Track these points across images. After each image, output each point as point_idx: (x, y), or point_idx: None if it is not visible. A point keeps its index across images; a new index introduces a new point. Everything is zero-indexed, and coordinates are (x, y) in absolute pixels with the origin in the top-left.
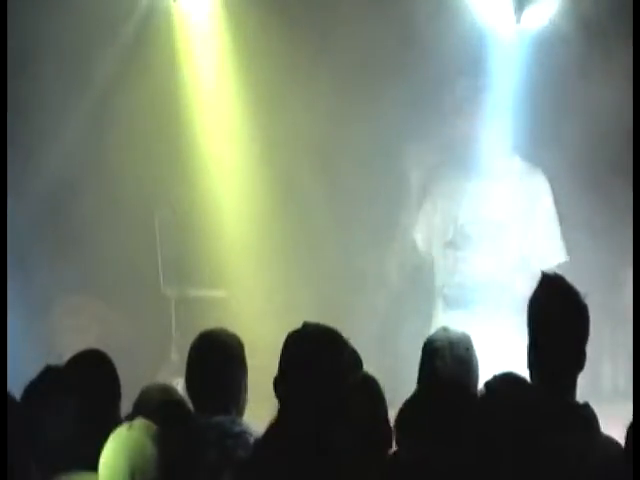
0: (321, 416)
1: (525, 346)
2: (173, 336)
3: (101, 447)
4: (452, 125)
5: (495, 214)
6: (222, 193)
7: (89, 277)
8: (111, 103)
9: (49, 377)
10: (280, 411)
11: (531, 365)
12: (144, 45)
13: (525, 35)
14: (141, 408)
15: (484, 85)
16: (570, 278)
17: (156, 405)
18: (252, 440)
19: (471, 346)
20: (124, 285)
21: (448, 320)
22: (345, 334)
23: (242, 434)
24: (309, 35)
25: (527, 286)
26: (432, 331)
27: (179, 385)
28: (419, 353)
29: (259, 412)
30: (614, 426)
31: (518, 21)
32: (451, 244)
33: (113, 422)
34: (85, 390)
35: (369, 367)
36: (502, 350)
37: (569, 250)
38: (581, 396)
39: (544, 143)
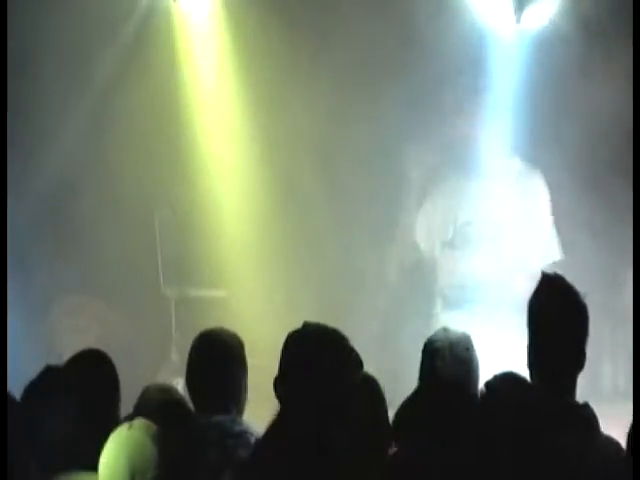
0: (321, 416)
1: (525, 346)
2: (173, 336)
3: (101, 447)
4: (452, 125)
5: (495, 214)
6: (222, 193)
7: (89, 277)
8: (111, 103)
9: (49, 377)
10: (280, 411)
11: (531, 365)
12: (144, 45)
13: (525, 35)
14: (142, 408)
15: (484, 85)
16: (570, 278)
17: (156, 405)
18: (253, 440)
19: (471, 346)
20: (124, 285)
21: (448, 320)
22: (345, 334)
23: (243, 434)
24: (309, 35)
25: (527, 286)
26: (432, 331)
27: (179, 385)
28: (419, 353)
29: (259, 412)
30: (614, 426)
31: (518, 21)
32: (451, 244)
33: (113, 422)
34: (85, 390)
35: (369, 367)
36: (502, 350)
37: (569, 250)
38: (581, 396)
39: (544, 143)
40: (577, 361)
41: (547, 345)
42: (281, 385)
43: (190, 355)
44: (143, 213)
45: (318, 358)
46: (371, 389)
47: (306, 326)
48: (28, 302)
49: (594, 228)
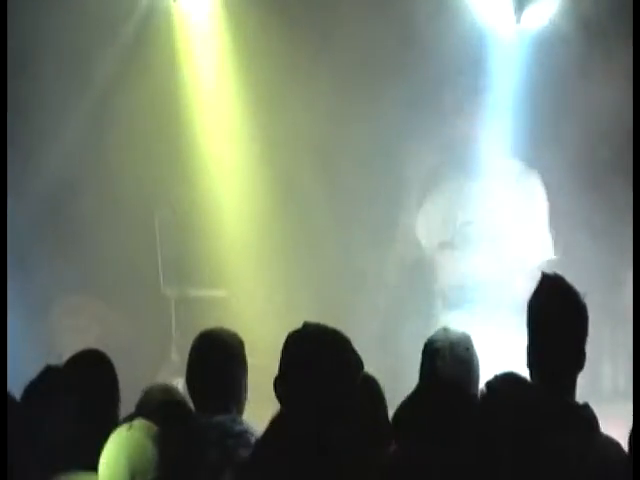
0: (321, 416)
1: (525, 346)
2: (173, 336)
3: (101, 447)
4: (452, 125)
5: (495, 214)
6: (222, 193)
7: (89, 277)
8: (111, 103)
9: (49, 377)
10: (280, 411)
11: (531, 365)
12: (144, 45)
13: (525, 35)
14: (143, 408)
15: (484, 85)
16: (570, 278)
17: (158, 405)
18: (253, 440)
19: (471, 346)
20: (124, 285)
21: (448, 320)
22: (345, 334)
23: (243, 433)
24: (309, 35)
25: (527, 286)
26: (432, 331)
27: (179, 385)
28: (419, 353)
29: (259, 412)
30: (614, 426)
31: (518, 21)
32: (451, 244)
33: (112, 422)
34: (84, 390)
35: (369, 367)
36: (502, 350)
37: (569, 250)
38: (581, 396)
39: (544, 143)
40: (577, 361)
41: (547, 345)
42: (281, 385)
43: (190, 355)
44: (143, 213)
45: (318, 358)
46: (371, 389)
47: (306, 326)
48: (28, 302)
49: (594, 228)
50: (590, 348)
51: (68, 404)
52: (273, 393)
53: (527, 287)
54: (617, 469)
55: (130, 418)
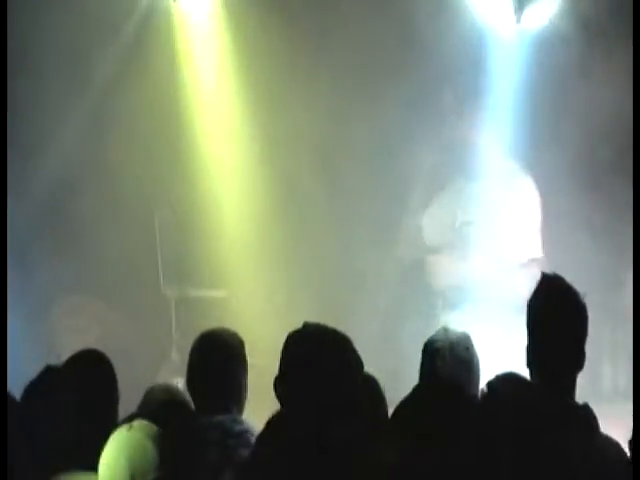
0: (321, 416)
1: (525, 346)
2: (173, 336)
3: (100, 447)
4: (452, 126)
5: (494, 214)
6: (222, 193)
7: (89, 277)
8: (111, 103)
9: (49, 377)
10: (280, 411)
11: (530, 365)
12: (144, 45)
13: (525, 35)
14: (145, 408)
15: (484, 85)
16: (570, 278)
17: (159, 405)
18: (254, 439)
19: (471, 346)
20: (124, 285)
21: (448, 320)
22: (346, 334)
23: (244, 433)
24: (309, 35)
25: (527, 286)
26: (432, 331)
27: (179, 385)
28: (419, 353)
29: (259, 412)
30: (614, 426)
31: (518, 21)
32: (450, 244)
33: (111, 422)
34: (83, 390)
35: (369, 367)
36: (502, 350)
37: (569, 250)
38: (581, 396)
39: (544, 143)
40: (577, 361)
41: (547, 345)
42: (281, 385)
43: (191, 355)
44: (143, 213)
45: (318, 358)
46: (371, 389)
47: (306, 326)
48: (28, 302)
49: (594, 228)
50: (590, 348)
51: (68, 404)
52: (273, 393)
53: (527, 287)
54: (617, 469)
55: (131, 418)
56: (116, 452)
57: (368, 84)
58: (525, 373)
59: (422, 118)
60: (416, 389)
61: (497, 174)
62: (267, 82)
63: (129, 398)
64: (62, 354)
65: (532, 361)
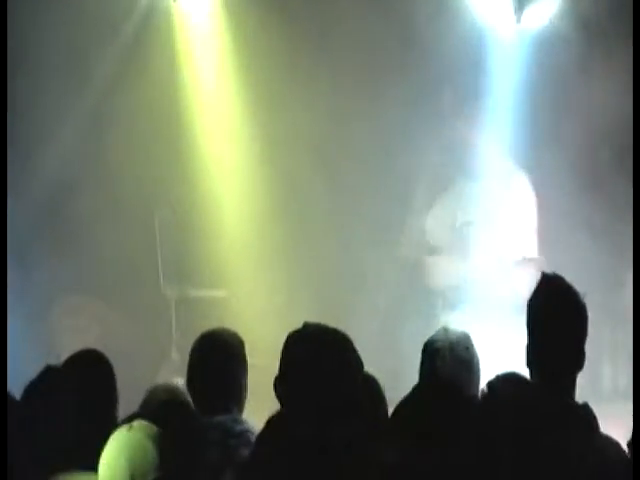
0: (321, 416)
1: (525, 346)
2: (173, 336)
3: (100, 447)
4: (452, 126)
5: (494, 214)
6: (222, 193)
7: (89, 277)
8: (111, 103)
9: (49, 377)
10: (280, 411)
11: (530, 364)
12: (144, 45)
13: (525, 35)
14: (146, 408)
15: (484, 85)
16: (570, 278)
17: (160, 405)
18: (254, 439)
19: (471, 345)
20: (124, 285)
21: (448, 320)
22: (346, 334)
23: (244, 433)
24: (309, 35)
25: (527, 286)
26: (432, 331)
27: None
28: (419, 353)
29: (259, 412)
30: (614, 426)
31: (518, 21)
32: (450, 244)
33: (111, 422)
34: (82, 390)
35: (369, 367)
36: (502, 350)
37: (569, 250)
38: (581, 396)
39: (544, 143)
40: (577, 361)
41: (546, 345)
42: (281, 385)
43: (191, 355)
44: (143, 213)
45: (318, 358)
46: (371, 389)
47: (306, 326)
48: (28, 302)
49: (594, 228)
50: (590, 348)
51: (68, 404)
52: (273, 393)
53: (527, 287)
54: (617, 469)
55: (131, 418)
56: (116, 452)
57: (368, 84)
58: (525, 373)
59: (422, 118)
60: (416, 389)
61: (497, 174)
62: (267, 82)
63: (129, 398)
64: (62, 354)
65: (532, 361)
